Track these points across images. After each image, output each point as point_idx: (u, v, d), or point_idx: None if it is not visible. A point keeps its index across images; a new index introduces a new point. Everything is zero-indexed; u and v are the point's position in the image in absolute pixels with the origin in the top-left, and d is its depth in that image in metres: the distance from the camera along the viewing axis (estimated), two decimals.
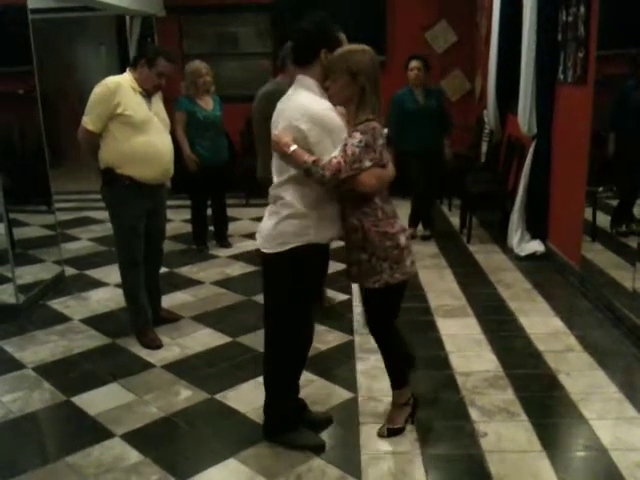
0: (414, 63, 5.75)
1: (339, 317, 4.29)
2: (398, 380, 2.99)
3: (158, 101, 3.88)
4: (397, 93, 5.78)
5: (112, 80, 3.67)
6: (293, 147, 2.50)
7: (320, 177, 2.48)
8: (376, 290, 2.72)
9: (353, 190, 2.59)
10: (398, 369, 2.98)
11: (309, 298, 2.79)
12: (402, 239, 2.72)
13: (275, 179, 2.68)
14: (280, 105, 2.69)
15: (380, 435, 2.94)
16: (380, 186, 2.64)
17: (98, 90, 3.65)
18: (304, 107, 2.53)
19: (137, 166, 3.69)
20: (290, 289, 2.69)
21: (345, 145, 2.51)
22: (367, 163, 2.54)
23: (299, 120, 2.51)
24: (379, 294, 2.75)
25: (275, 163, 2.68)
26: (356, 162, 2.51)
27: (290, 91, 2.67)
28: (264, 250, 2.69)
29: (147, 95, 3.75)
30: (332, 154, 2.50)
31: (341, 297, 4.63)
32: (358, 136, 2.53)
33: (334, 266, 3.77)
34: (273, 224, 2.64)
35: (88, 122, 3.67)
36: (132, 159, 3.67)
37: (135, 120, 3.64)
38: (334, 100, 2.60)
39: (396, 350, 2.96)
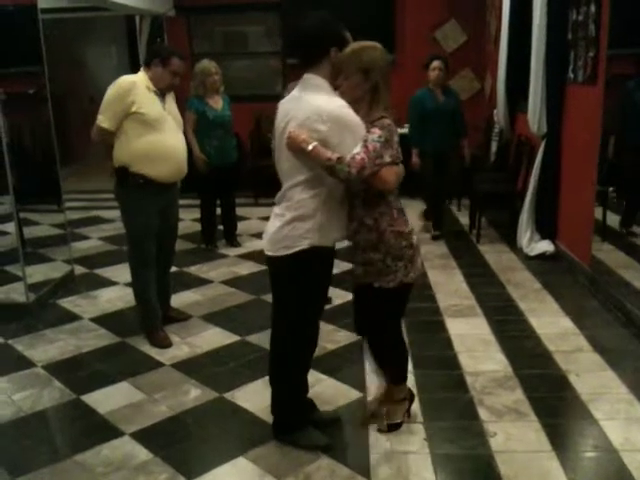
0: (436, 63, 5.75)
1: (348, 316, 4.27)
2: (398, 377, 3.03)
3: (171, 100, 3.90)
4: (416, 94, 5.84)
5: (127, 79, 3.69)
6: (313, 144, 2.45)
7: (346, 174, 2.44)
8: (388, 290, 2.71)
9: (369, 189, 2.58)
10: (399, 366, 3.03)
11: (316, 300, 2.77)
12: (414, 238, 2.74)
13: (284, 182, 2.63)
14: (286, 105, 2.62)
15: (380, 431, 2.96)
16: (397, 184, 2.64)
17: (113, 88, 3.67)
18: (320, 107, 2.47)
19: (151, 164, 3.69)
20: (296, 291, 2.68)
21: (365, 141, 2.48)
22: (387, 159, 2.52)
23: (317, 121, 2.46)
24: (391, 294, 2.74)
25: (284, 166, 2.61)
26: (378, 158, 2.48)
27: (296, 91, 2.61)
28: (268, 253, 2.68)
29: (161, 94, 3.77)
30: (353, 151, 2.46)
31: (350, 296, 4.61)
32: (377, 131, 2.50)
33: (341, 266, 3.79)
34: (278, 227, 2.61)
35: (103, 120, 3.67)
36: (146, 157, 3.68)
37: (150, 118, 3.65)
38: (345, 98, 2.55)
39: (399, 349, 3.02)
